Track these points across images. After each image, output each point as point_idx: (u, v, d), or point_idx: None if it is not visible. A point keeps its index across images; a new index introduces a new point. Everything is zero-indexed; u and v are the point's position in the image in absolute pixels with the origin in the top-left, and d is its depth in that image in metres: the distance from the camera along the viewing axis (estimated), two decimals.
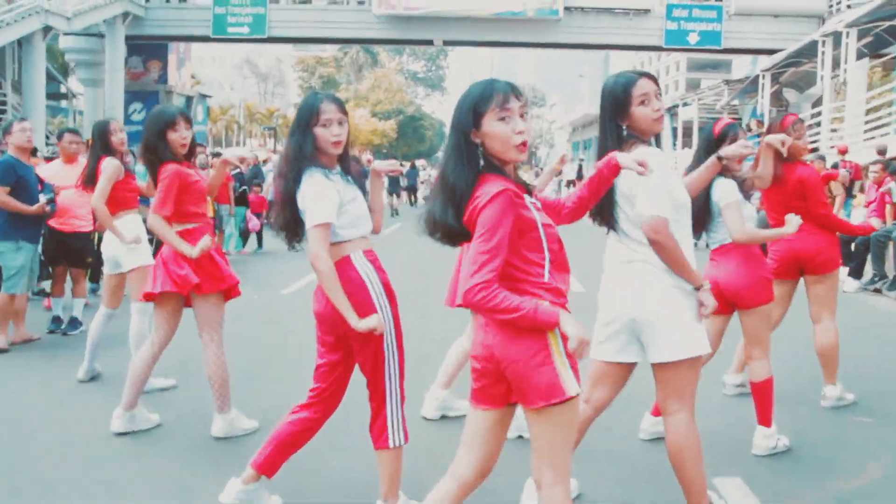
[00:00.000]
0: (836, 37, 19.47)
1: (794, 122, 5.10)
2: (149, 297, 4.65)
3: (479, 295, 2.46)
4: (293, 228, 3.47)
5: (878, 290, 10.35)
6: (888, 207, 10.83)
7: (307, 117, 3.48)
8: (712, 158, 4.07)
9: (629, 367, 3.60)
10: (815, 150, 18.09)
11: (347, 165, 3.66)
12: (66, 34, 26.36)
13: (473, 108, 2.65)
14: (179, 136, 4.62)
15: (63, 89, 32.03)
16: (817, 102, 23.11)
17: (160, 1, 28.57)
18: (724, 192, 4.30)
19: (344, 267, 3.40)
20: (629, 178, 3.24)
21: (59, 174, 7.26)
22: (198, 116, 35.08)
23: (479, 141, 2.66)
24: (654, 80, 3.51)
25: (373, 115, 66.21)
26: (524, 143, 2.64)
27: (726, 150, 4.08)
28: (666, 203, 3.25)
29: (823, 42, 20.15)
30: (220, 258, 4.72)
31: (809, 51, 21.80)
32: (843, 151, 14.75)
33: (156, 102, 30.78)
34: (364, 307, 3.35)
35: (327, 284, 3.32)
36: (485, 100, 2.64)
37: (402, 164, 5.37)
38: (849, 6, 23.77)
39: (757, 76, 25.28)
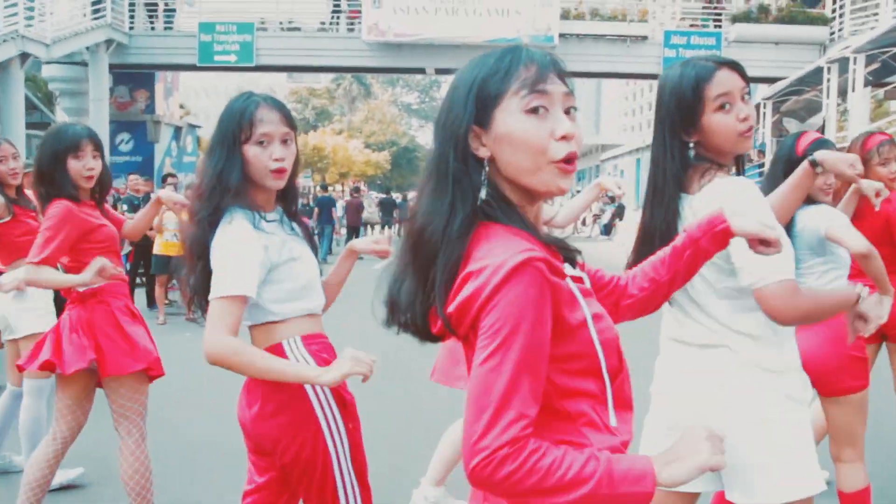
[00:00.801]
0: (843, 63, 18.81)
1: (880, 143, 3.86)
2: (44, 367, 3.49)
3: (503, 471, 1.30)
4: (207, 294, 2.37)
5: None
6: None
7: (234, 129, 2.41)
8: (804, 165, 2.79)
9: (692, 499, 2.49)
10: None
11: (292, 206, 2.60)
12: (46, 62, 25.63)
13: (478, 92, 1.49)
14: (83, 166, 3.54)
15: (44, 118, 31.27)
16: (819, 132, 22.45)
17: (145, 28, 27.91)
18: (821, 216, 3.16)
19: None
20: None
21: None
22: (187, 147, 34.42)
23: (484, 153, 1.50)
24: (741, 71, 2.31)
25: (366, 146, 65.74)
26: (571, 159, 1.47)
27: (826, 156, 2.77)
28: (791, 259, 2.18)
29: (829, 69, 19.47)
30: (138, 327, 3.61)
31: (812, 78, 21.14)
32: None
33: (143, 132, 30.24)
34: (298, 422, 2.32)
35: (242, 367, 2.25)
36: (500, 75, 1.48)
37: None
38: (852, 33, 23.19)
39: (758, 105, 24.63)
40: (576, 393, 1.46)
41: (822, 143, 3.32)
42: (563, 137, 1.45)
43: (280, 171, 2.44)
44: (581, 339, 1.46)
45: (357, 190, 31.90)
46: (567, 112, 1.49)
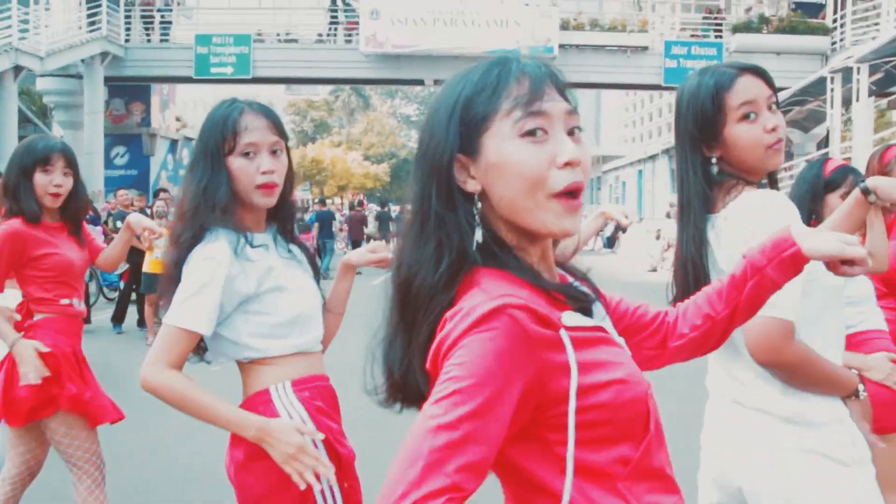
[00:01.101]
0: (846, 73, 18.60)
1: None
2: None
3: None
4: None
5: None
6: None
7: (217, 139, 2.12)
8: (856, 193, 2.35)
9: None
10: None
11: (287, 225, 2.27)
12: (41, 75, 25.41)
13: (462, 114, 1.24)
14: (49, 181, 3.22)
15: (38, 132, 31.09)
16: (821, 143, 22.27)
17: (141, 41, 27.75)
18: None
19: (255, 408, 2.08)
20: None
21: None
22: (184, 160, 34.18)
23: (473, 187, 1.25)
24: (766, 77, 2.04)
25: (365, 158, 65.58)
26: (576, 190, 1.22)
27: (880, 182, 2.32)
28: (798, 299, 1.84)
29: (832, 79, 19.26)
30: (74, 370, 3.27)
31: (815, 88, 20.93)
32: None
33: (139, 146, 30.02)
34: (286, 479, 1.96)
35: (176, 406, 2.01)
36: (488, 93, 1.23)
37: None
38: (854, 43, 23.00)
39: None
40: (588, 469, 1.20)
41: (849, 170, 3.07)
42: (567, 164, 1.20)
43: (268, 186, 2.14)
44: (600, 394, 1.19)
45: (360, 203, 31.57)
46: (571, 133, 1.24)
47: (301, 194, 53.50)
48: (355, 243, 25.70)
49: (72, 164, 3.32)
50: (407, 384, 1.27)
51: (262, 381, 2.12)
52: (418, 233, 1.25)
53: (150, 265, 10.09)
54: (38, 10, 23.09)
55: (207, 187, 2.10)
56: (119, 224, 10.11)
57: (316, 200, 25.03)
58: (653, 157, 37.83)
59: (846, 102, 19.35)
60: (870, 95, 19.27)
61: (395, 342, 1.28)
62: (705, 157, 2.07)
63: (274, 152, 2.16)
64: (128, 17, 27.17)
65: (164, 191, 12.28)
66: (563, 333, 1.19)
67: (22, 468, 3.32)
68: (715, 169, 2.07)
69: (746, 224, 1.93)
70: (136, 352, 8.99)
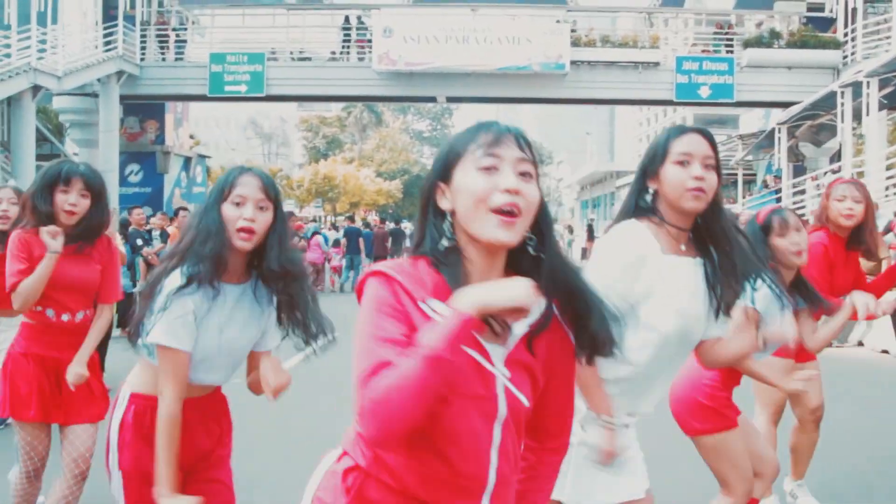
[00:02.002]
0: (856, 87, 18.65)
1: (839, 183, 4.29)
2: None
3: (373, 415, 1.49)
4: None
5: None
6: None
7: (220, 189, 2.63)
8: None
9: None
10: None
11: (267, 276, 2.66)
12: (58, 94, 25.73)
13: (447, 153, 1.72)
14: (65, 200, 3.56)
15: (54, 150, 31.40)
16: (834, 157, 22.28)
17: (156, 60, 28.03)
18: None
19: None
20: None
21: None
22: (197, 178, 34.46)
23: (445, 205, 1.71)
24: (711, 141, 2.58)
25: (378, 174, 65.74)
26: (511, 210, 1.61)
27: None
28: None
29: (842, 93, 19.31)
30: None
31: (826, 102, 20.97)
32: None
33: (153, 163, 30.29)
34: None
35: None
36: (465, 139, 1.71)
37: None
38: (865, 57, 23.03)
39: (772, 130, 24.44)
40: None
41: (774, 212, 3.72)
42: (507, 191, 1.61)
43: (246, 231, 2.52)
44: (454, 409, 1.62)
45: (383, 220, 31.69)
46: (522, 174, 1.65)
47: (313, 210, 53.79)
48: (377, 258, 25.79)
49: (91, 188, 3.62)
50: None
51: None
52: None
53: None
54: (55, 30, 23.44)
55: (201, 226, 2.53)
56: (138, 242, 10.25)
57: (343, 217, 25.42)
58: None
59: (857, 116, 19.38)
60: (881, 109, 19.32)
61: None
62: (644, 187, 2.61)
63: (260, 208, 2.56)
64: (143, 36, 27.47)
65: (184, 209, 12.49)
66: (419, 305, 1.61)
67: (35, 458, 3.66)
68: (648, 198, 2.59)
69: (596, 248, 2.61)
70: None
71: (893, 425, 6.75)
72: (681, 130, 2.58)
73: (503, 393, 1.65)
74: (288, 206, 29.17)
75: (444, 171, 1.70)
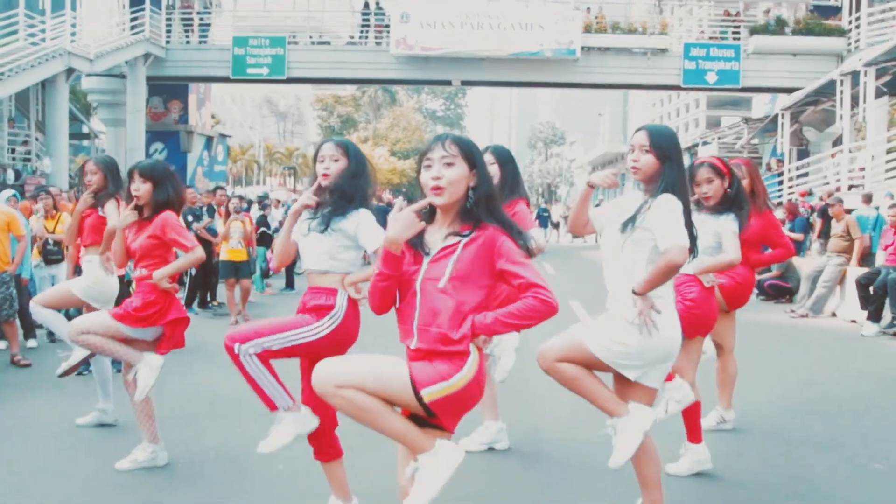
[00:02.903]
0: (855, 76, 19.36)
1: (698, 164, 5.10)
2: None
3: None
4: None
5: None
6: None
7: (315, 157, 4.03)
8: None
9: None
10: (839, 189, 18.02)
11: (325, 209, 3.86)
12: (88, 75, 26.64)
13: (419, 160, 3.00)
14: (131, 187, 4.91)
15: (85, 129, 32.35)
16: (837, 141, 22.93)
17: (180, 42, 28.91)
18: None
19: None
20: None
21: None
22: (218, 157, 35.30)
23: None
24: (650, 132, 3.76)
25: (392, 154, 66.25)
26: (438, 188, 2.87)
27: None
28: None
29: (841, 81, 20.03)
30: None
31: (828, 89, 21.69)
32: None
33: (176, 142, 31.18)
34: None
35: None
36: (422, 151, 2.96)
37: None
38: (870, 45, 23.65)
39: (776, 115, 25.16)
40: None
41: (697, 166, 4.95)
42: (433, 178, 2.87)
43: (325, 176, 3.95)
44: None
45: (409, 200, 32.40)
46: (447, 164, 2.87)
47: None
48: None
49: (145, 175, 4.89)
50: None
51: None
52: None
53: (226, 254, 11.29)
54: (86, 14, 24.24)
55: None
56: (189, 218, 11.31)
57: (401, 194, 26.49)
58: None
59: (857, 103, 20.02)
60: (879, 97, 20.01)
61: None
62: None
63: (336, 160, 3.85)
64: (168, 19, 28.36)
65: (221, 188, 13.67)
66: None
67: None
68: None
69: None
70: (206, 327, 10.02)
71: (858, 380, 7.69)
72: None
73: (421, 278, 2.90)
74: (305, 183, 29.72)
75: (420, 169, 2.97)
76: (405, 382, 2.79)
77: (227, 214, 11.90)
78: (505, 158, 5.12)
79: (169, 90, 31.13)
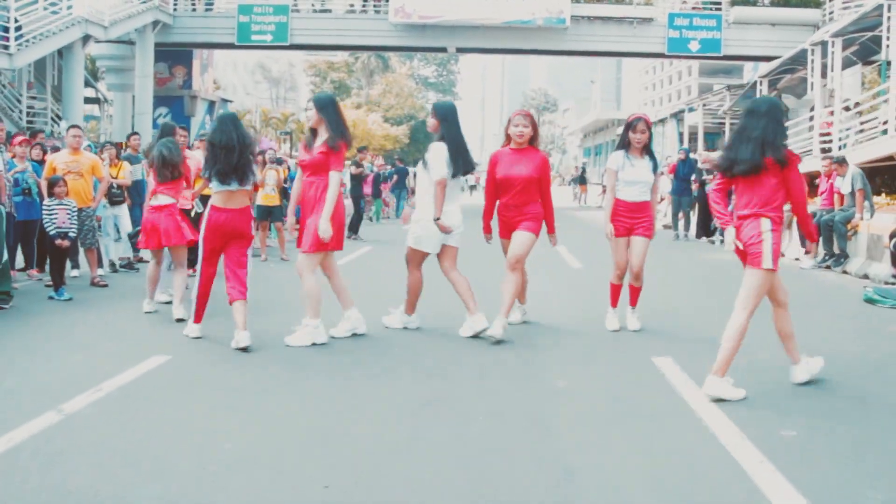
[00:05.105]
0: (824, 45, 20.62)
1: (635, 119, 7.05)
2: None
3: None
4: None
5: (828, 267, 11.87)
6: (836, 197, 12.22)
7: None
8: None
9: None
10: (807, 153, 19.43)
11: None
12: (97, 42, 27.68)
13: None
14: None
15: (95, 94, 33.39)
16: (813, 107, 24.23)
17: (187, 10, 30.03)
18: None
19: None
20: None
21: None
22: None
23: None
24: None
25: (385, 120, 66.82)
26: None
27: None
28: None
29: (812, 51, 21.31)
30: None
31: (802, 58, 22.96)
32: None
33: (180, 106, 32.30)
34: None
35: None
36: None
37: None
38: (842, 13, 24.91)
39: (755, 82, 26.49)
40: None
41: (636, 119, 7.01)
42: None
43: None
44: None
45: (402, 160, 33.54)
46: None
47: None
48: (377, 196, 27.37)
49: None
50: None
51: None
52: None
53: (262, 199, 12.51)
54: None
55: None
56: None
57: (397, 158, 27.33)
58: (662, 121, 39.91)
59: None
60: (847, 66, 21.24)
61: None
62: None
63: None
64: None
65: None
66: None
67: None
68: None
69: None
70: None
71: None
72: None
73: None
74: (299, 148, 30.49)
75: None
76: None
77: (264, 163, 13.12)
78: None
79: (173, 56, 32.22)
